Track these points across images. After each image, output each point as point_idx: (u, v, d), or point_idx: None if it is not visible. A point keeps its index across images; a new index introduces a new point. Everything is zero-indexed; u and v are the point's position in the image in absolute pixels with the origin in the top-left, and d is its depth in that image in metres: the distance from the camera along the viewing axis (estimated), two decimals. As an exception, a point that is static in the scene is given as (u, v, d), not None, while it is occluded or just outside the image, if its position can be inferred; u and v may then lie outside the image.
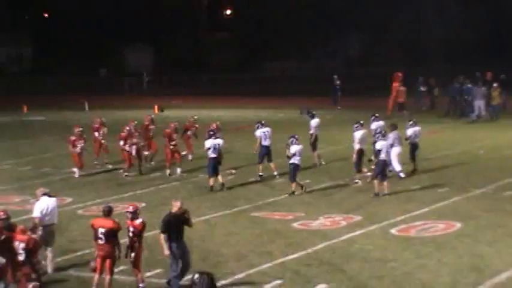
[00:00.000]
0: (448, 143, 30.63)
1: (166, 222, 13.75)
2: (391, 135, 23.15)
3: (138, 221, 13.56)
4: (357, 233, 17.33)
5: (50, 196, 15.19)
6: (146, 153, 25.91)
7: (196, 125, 27.01)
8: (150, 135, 26.25)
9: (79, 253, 15.83)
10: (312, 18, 78.66)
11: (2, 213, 13.71)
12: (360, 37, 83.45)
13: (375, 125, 24.36)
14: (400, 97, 40.33)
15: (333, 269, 14.82)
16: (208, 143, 22.16)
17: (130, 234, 13.55)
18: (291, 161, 21.24)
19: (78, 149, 23.95)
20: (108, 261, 13.39)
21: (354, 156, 22.90)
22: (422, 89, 43.06)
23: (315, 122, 26.10)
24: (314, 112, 26.69)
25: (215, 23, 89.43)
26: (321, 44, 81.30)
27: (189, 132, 26.51)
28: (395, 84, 40.71)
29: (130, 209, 13.68)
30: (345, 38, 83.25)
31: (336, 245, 16.42)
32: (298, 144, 21.38)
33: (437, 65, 68.99)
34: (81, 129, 24.63)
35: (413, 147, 24.17)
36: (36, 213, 14.90)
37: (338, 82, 46.34)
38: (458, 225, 17.79)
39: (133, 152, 24.15)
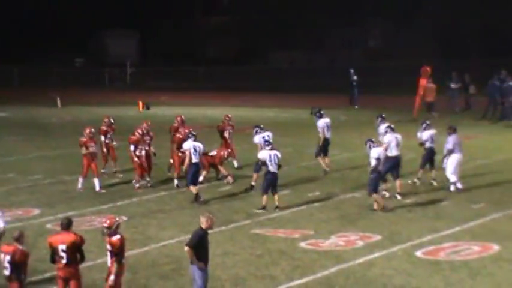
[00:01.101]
0: (485, 150, 30.62)
1: (200, 236, 13.75)
2: (451, 139, 23.29)
3: (115, 238, 13.55)
4: (376, 255, 17.34)
5: None
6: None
7: (232, 124, 26.93)
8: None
9: (48, 274, 15.83)
10: (326, 1, 78.70)
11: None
12: (382, 24, 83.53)
13: (382, 128, 24.42)
14: (429, 96, 40.33)
15: (347, 297, 14.88)
16: (187, 144, 22.28)
17: (108, 253, 13.57)
18: (267, 169, 21.17)
19: (92, 149, 23.71)
20: (72, 284, 13.40)
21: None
22: (454, 86, 42.99)
23: (323, 122, 25.97)
24: (322, 111, 26.60)
25: (212, 5, 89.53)
26: (336, 31, 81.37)
27: (225, 134, 26.45)
28: (423, 81, 40.68)
29: (107, 223, 13.71)
30: (364, 25, 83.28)
31: (351, 269, 16.43)
32: (272, 149, 21.40)
33: (474, 58, 68.93)
34: (92, 130, 24.45)
35: (431, 153, 24.16)
36: None
37: (355, 77, 46.32)
38: (495, 247, 17.78)
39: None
